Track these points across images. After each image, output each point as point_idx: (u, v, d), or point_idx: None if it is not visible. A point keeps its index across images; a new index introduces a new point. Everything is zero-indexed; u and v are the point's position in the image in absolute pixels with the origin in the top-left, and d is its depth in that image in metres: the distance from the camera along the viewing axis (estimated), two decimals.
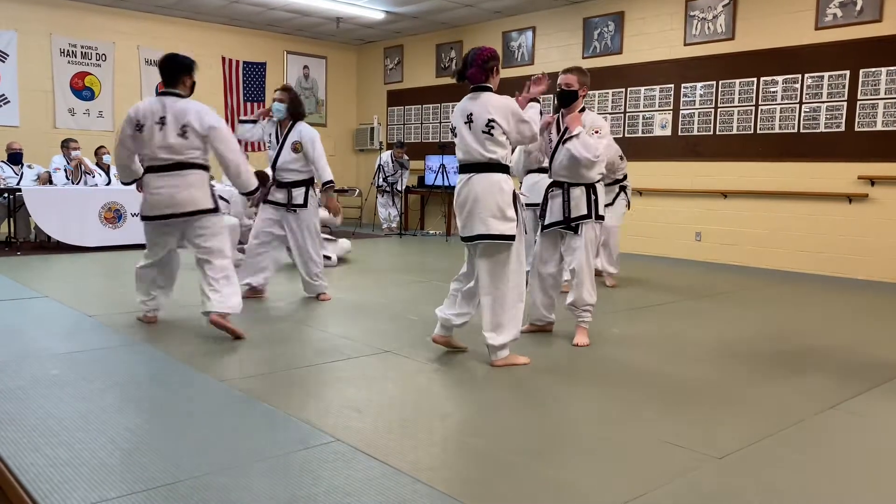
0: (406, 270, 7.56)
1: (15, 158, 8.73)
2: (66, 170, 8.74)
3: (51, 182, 8.60)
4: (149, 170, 4.26)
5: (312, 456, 2.52)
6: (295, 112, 5.32)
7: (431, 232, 11.64)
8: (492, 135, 3.61)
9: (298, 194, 5.31)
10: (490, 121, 3.60)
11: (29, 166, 8.83)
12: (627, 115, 9.21)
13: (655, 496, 2.28)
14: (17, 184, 8.46)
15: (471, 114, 3.65)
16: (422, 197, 12.02)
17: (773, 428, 2.91)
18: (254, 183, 4.45)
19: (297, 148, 5.27)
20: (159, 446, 2.57)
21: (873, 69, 7.15)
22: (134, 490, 2.22)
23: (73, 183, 8.70)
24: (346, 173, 13.19)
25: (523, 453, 2.61)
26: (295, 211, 5.31)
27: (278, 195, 5.33)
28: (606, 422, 2.97)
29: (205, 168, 4.33)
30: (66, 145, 8.80)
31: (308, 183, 5.37)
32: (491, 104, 3.63)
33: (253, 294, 5.45)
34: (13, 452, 2.47)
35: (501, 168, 3.67)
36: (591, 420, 3.00)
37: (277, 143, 5.31)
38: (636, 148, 9.12)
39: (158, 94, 4.28)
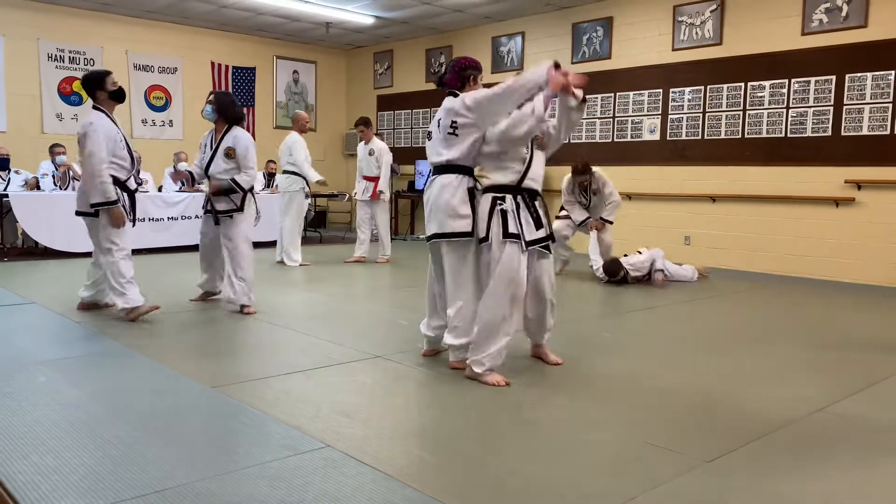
0: (396, 275, 7.55)
1: (2, 164, 8.66)
2: (53, 175, 8.70)
3: (38, 187, 8.55)
4: None
5: (303, 462, 2.52)
6: (228, 116, 5.23)
7: (421, 236, 11.63)
8: (456, 134, 3.62)
9: (233, 199, 5.18)
10: (453, 121, 3.62)
11: (16, 171, 8.77)
12: (616, 119, 9.25)
13: (644, 500, 2.29)
14: (4, 189, 8.41)
15: (440, 119, 3.73)
16: (412, 201, 12.02)
17: (761, 431, 2.93)
18: (94, 195, 4.62)
19: (230, 154, 5.17)
20: (149, 453, 2.55)
21: (859, 74, 7.22)
22: (123, 498, 2.20)
23: (60, 188, 8.65)
24: (336, 178, 13.15)
25: (511, 458, 2.61)
26: (231, 216, 5.19)
27: (218, 204, 5.21)
28: (595, 425, 2.98)
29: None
30: (52, 150, 8.75)
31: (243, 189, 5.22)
32: (454, 103, 3.64)
33: (203, 299, 5.58)
34: (0, 461, 2.46)
35: (456, 169, 3.65)
36: (581, 423, 3.00)
37: (211, 148, 5.25)
38: (625, 152, 9.17)
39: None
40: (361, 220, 8.36)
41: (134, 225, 4.95)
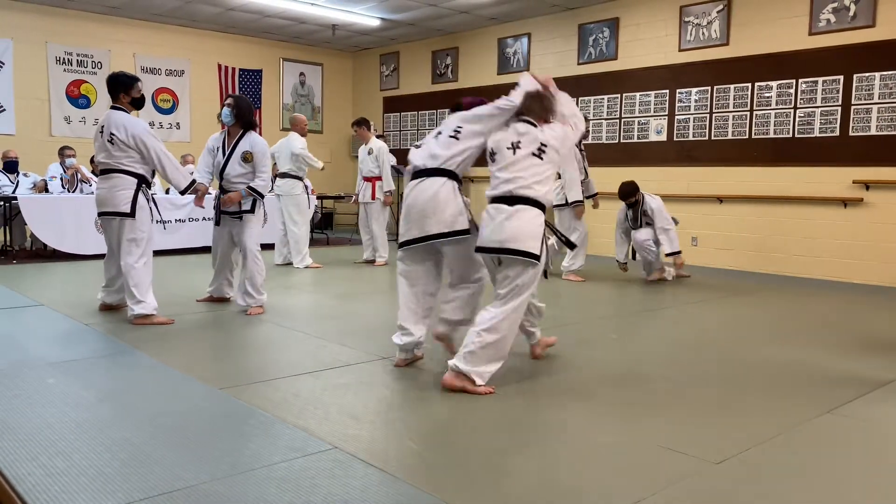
0: None
1: (11, 167, 8.71)
2: (62, 178, 8.74)
3: (47, 190, 8.59)
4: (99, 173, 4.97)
5: (310, 464, 2.52)
6: (245, 120, 5.23)
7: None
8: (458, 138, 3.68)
9: (245, 202, 5.20)
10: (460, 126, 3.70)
11: (25, 174, 8.82)
12: (623, 120, 9.23)
13: (653, 501, 2.28)
14: (13, 192, 8.45)
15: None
16: None
17: (771, 432, 2.92)
18: (183, 182, 4.94)
19: (248, 158, 5.17)
20: (157, 455, 2.56)
21: (867, 74, 7.19)
22: (132, 499, 2.21)
23: (69, 191, 8.70)
24: (343, 180, 13.19)
25: (521, 459, 2.61)
26: (240, 218, 5.23)
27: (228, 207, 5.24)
28: (604, 427, 2.97)
29: (133, 175, 4.75)
30: (62, 153, 8.80)
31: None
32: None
33: (211, 300, 5.60)
34: (10, 462, 2.47)
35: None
36: (589, 425, 3.00)
37: (225, 152, 5.23)
38: (631, 153, 9.16)
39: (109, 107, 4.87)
40: (363, 222, 8.36)
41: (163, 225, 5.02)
